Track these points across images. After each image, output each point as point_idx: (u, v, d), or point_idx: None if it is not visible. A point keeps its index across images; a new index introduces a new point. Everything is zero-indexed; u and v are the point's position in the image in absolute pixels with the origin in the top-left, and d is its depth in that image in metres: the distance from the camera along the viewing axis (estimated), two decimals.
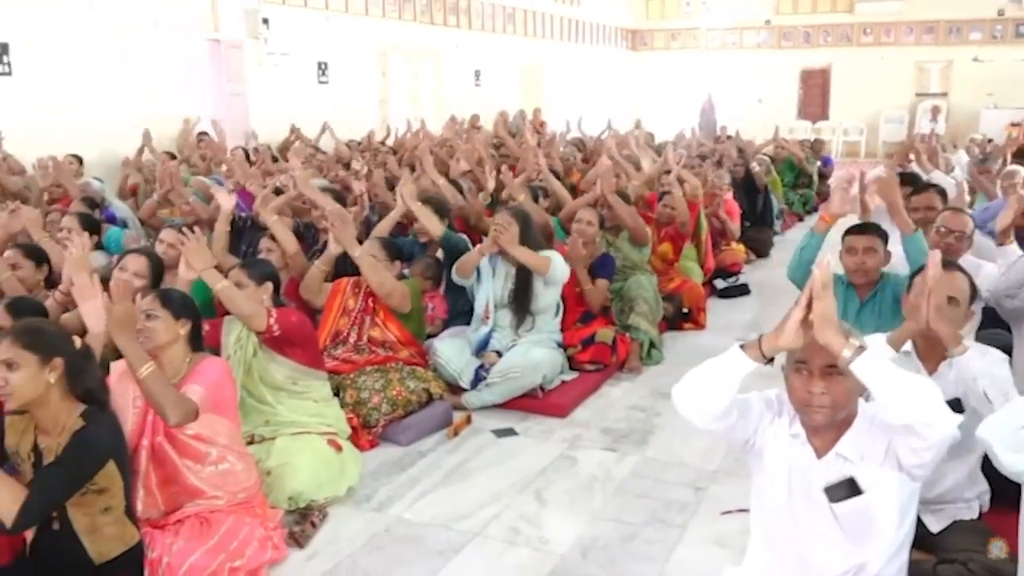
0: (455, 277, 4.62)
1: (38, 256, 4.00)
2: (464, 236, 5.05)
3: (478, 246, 4.54)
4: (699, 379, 2.01)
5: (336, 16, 12.08)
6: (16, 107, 8.03)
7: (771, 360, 1.96)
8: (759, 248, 8.21)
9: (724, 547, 3.04)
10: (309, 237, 5.15)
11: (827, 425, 2.02)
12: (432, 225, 4.82)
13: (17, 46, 8.12)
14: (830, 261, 1.91)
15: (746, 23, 19.95)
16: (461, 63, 14.97)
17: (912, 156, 7.38)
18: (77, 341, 2.46)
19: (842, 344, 1.84)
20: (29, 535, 2.43)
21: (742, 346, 1.96)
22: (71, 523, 2.38)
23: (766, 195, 8.76)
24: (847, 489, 2.01)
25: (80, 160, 7.65)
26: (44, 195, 6.38)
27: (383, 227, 4.99)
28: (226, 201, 4.58)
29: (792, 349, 1.94)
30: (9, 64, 8.09)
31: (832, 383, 1.94)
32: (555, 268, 4.42)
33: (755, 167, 8.53)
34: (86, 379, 2.42)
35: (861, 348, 1.84)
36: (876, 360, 1.84)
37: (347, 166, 7.83)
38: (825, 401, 1.96)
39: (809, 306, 1.86)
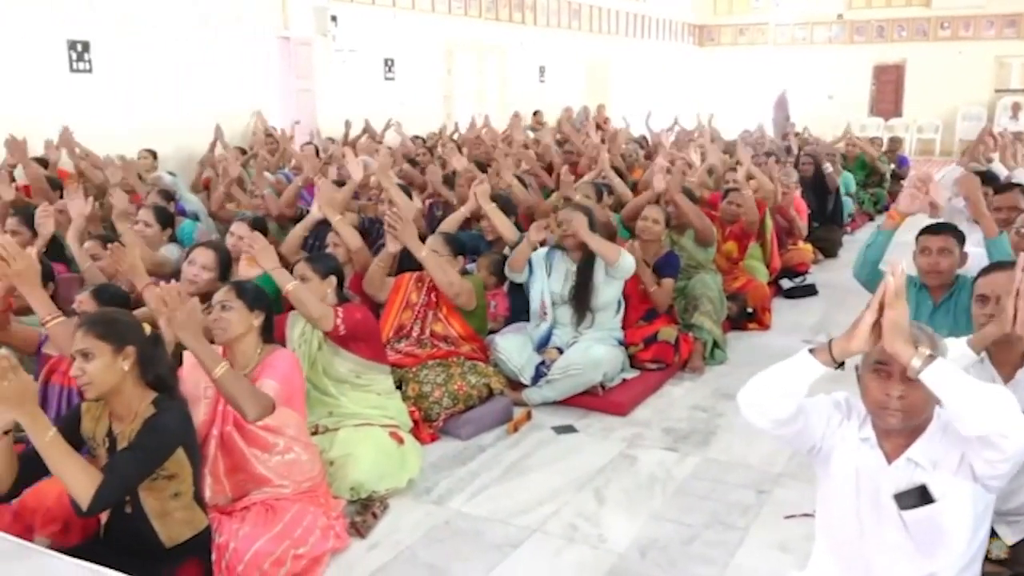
0: (507, 272, 4.63)
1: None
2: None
3: (526, 238, 4.53)
4: (766, 383, 1.97)
5: (403, 13, 12.21)
6: (96, 104, 8.33)
7: (841, 365, 1.91)
8: (827, 248, 8.04)
9: (787, 552, 2.98)
10: (374, 232, 5.22)
11: (900, 430, 1.97)
12: (507, 229, 4.86)
13: (98, 44, 8.41)
14: (904, 267, 1.84)
15: (817, 18, 19.53)
16: (526, 59, 14.99)
17: (991, 155, 7.12)
18: (147, 328, 2.53)
19: (911, 353, 1.78)
20: (103, 517, 2.52)
21: (811, 350, 1.92)
22: (143, 507, 2.45)
23: (837, 195, 8.57)
24: (918, 497, 1.94)
25: (155, 155, 7.90)
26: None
27: (450, 223, 5.01)
28: (316, 213, 4.63)
29: (866, 352, 1.89)
30: (90, 62, 8.39)
31: (911, 387, 1.87)
32: (624, 259, 4.39)
33: (827, 168, 8.34)
34: (157, 366, 2.49)
35: (932, 357, 1.78)
36: (947, 370, 1.78)
37: (412, 162, 7.91)
38: (902, 405, 1.90)
39: (881, 310, 1.81)
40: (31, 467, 2.31)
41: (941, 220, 3.73)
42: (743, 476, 3.59)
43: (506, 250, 4.97)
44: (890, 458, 2.00)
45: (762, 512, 3.30)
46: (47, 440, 2.19)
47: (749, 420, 2.01)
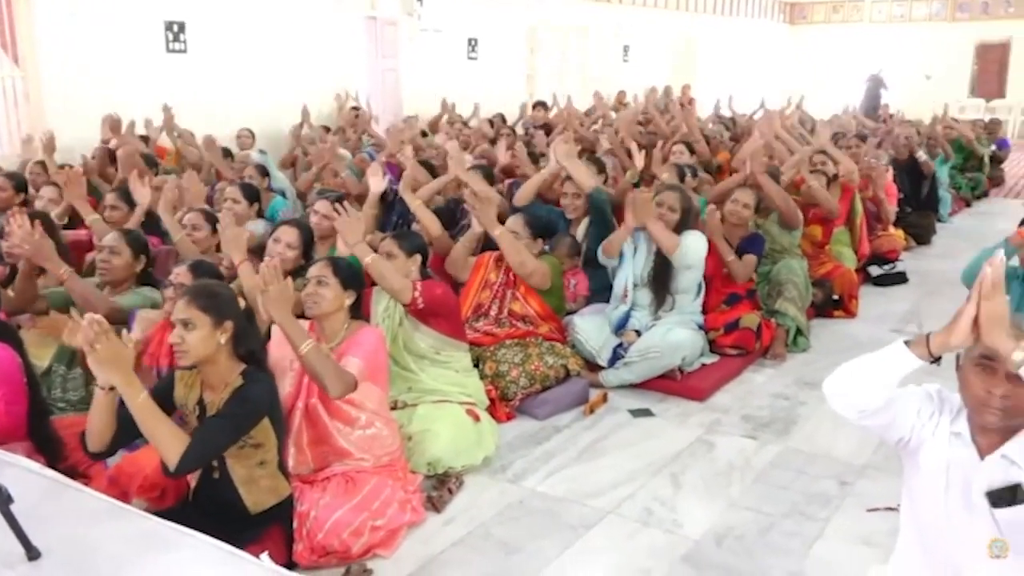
0: (601, 258, 4.59)
1: (215, 221, 4.25)
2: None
3: (624, 224, 4.48)
4: (855, 373, 1.90)
5: None
6: (191, 83, 8.60)
7: (938, 360, 1.84)
8: (921, 235, 7.75)
9: (869, 545, 2.91)
10: (456, 212, 5.25)
11: (997, 427, 1.88)
12: (585, 179, 4.84)
13: (193, 25, 8.67)
14: (1003, 258, 1.76)
15: None
16: (610, 38, 14.81)
17: None
18: (241, 303, 2.62)
19: (1012, 347, 1.70)
20: (192, 483, 2.62)
21: (907, 342, 1.85)
22: (230, 474, 2.54)
23: (933, 181, 8.23)
24: (1013, 495, 1.86)
25: (253, 134, 8.12)
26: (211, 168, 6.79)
27: (529, 187, 5.04)
28: (376, 184, 4.71)
29: (968, 345, 1.82)
30: (185, 42, 8.66)
31: (1016, 386, 1.79)
32: (685, 250, 4.31)
33: (921, 155, 8.02)
34: (250, 340, 2.58)
35: None
36: None
37: (492, 141, 7.92)
38: (1005, 404, 1.82)
39: (980, 301, 1.73)
40: (125, 428, 2.41)
41: None
42: (825, 467, 3.51)
43: (580, 229, 4.92)
44: (983, 454, 1.92)
45: (844, 504, 3.22)
46: (139, 401, 2.29)
47: (834, 409, 1.96)
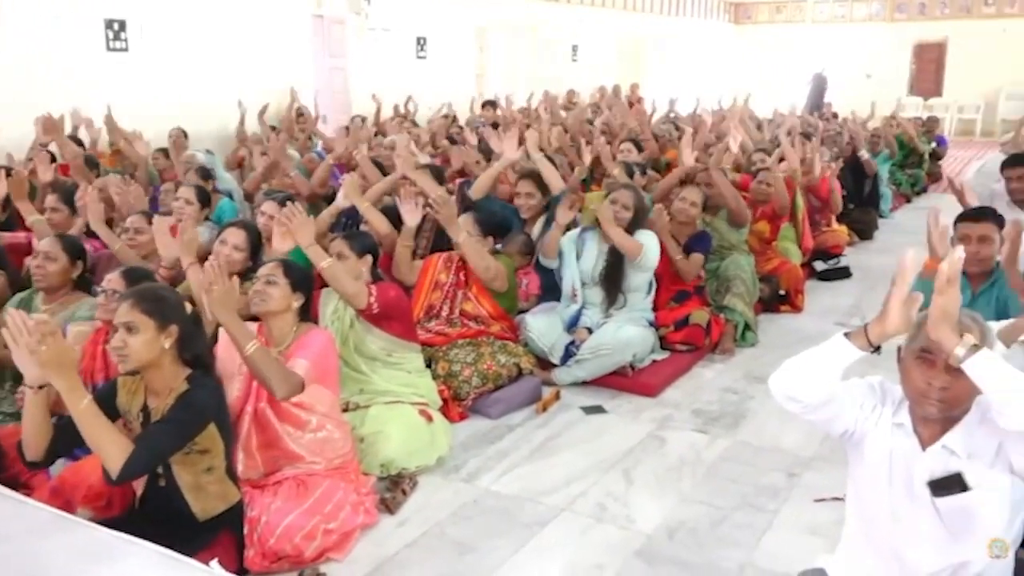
0: (542, 259, 4.62)
1: None
2: None
3: (555, 224, 4.49)
4: (798, 367, 1.93)
5: None
6: (132, 82, 8.41)
7: (878, 349, 1.88)
8: (863, 230, 7.93)
9: (817, 535, 2.96)
10: None
11: (937, 418, 1.93)
12: (553, 178, 4.89)
13: (134, 23, 8.49)
14: (962, 254, 1.79)
15: None
16: (558, 38, 14.88)
17: None
18: (188, 307, 2.57)
19: (956, 342, 1.74)
20: (139, 491, 2.57)
21: (847, 334, 1.89)
22: (176, 480, 2.49)
23: (875, 179, 8.43)
24: (953, 485, 1.91)
25: (185, 134, 7.94)
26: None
27: (489, 176, 5.12)
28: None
29: (913, 335, 1.86)
30: (126, 40, 8.47)
31: (955, 378, 1.83)
32: (647, 254, 4.36)
33: (863, 155, 8.20)
34: (196, 345, 2.53)
35: (976, 347, 1.74)
36: (991, 361, 1.73)
37: (452, 140, 7.90)
38: (944, 396, 1.87)
39: (904, 284, 1.78)
40: (65, 436, 2.35)
41: (981, 205, 3.62)
42: (773, 459, 3.57)
43: (535, 228, 4.95)
44: (925, 445, 1.97)
45: (792, 496, 3.28)
46: (82, 407, 2.23)
47: (781, 404, 1.99)
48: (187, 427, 2.42)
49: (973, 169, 4.98)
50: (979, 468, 1.90)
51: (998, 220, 3.38)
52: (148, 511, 2.54)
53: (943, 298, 1.75)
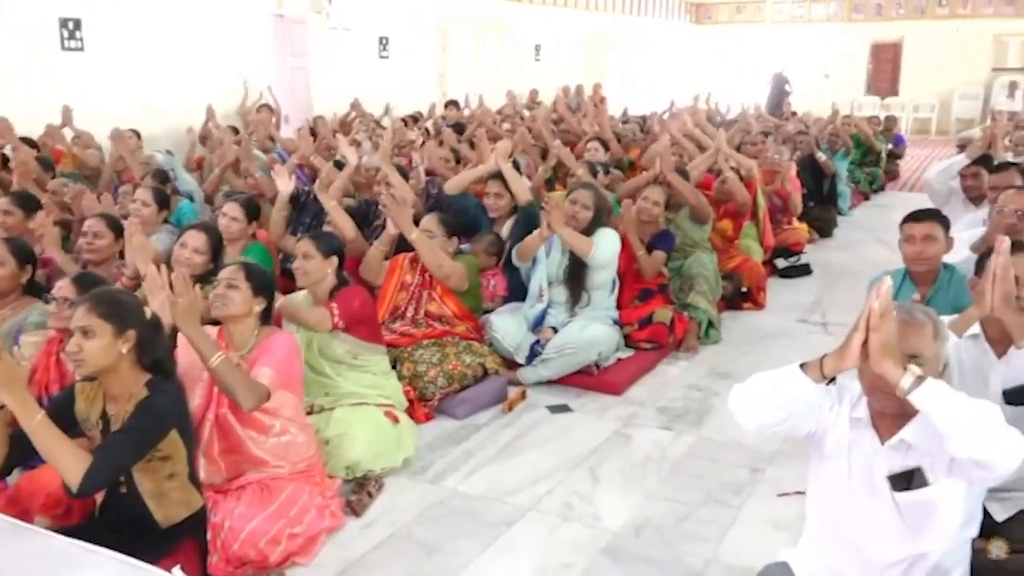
0: (515, 260, 4.62)
1: (118, 227, 4.07)
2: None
3: (537, 230, 4.50)
4: (755, 394, 1.95)
5: None
6: (88, 82, 8.25)
7: (832, 380, 1.89)
8: (823, 228, 8.05)
9: (780, 529, 3.00)
10: (370, 213, 5.19)
11: (894, 413, 1.96)
12: (520, 190, 4.89)
13: (89, 22, 8.33)
14: (890, 285, 1.79)
15: None
16: (521, 37, 14.89)
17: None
18: (147, 312, 2.52)
19: (899, 375, 1.76)
20: (99, 498, 2.52)
21: (802, 365, 1.91)
22: (138, 488, 2.45)
23: (833, 178, 8.56)
24: (912, 480, 1.95)
25: (138, 135, 7.78)
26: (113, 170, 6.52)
27: (464, 178, 5.16)
28: (284, 185, 4.57)
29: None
30: (82, 40, 8.31)
31: None
32: (598, 252, 4.37)
33: (820, 156, 8.32)
34: (155, 350, 2.48)
35: (920, 379, 1.75)
36: (937, 391, 1.75)
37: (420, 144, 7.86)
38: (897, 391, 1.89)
39: (868, 329, 1.77)
40: (19, 447, 2.30)
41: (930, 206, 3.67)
42: (737, 455, 3.61)
43: (503, 229, 4.95)
44: (883, 439, 2.01)
45: (756, 491, 3.32)
46: (36, 423, 2.17)
47: (740, 424, 2.01)
48: (147, 435, 2.38)
49: (936, 169, 5.05)
50: (936, 465, 1.93)
51: (942, 220, 3.42)
52: (109, 519, 2.50)
53: (879, 334, 1.76)
